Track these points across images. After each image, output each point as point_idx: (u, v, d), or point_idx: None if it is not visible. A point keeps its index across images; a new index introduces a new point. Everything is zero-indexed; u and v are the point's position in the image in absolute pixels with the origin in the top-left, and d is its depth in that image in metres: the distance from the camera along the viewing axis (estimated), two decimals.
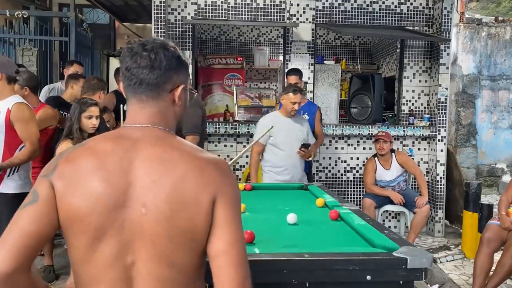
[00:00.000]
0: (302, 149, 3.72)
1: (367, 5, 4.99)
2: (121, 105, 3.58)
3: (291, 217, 2.18)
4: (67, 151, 1.09)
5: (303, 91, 3.91)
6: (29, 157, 2.82)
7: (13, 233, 0.98)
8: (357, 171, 5.04)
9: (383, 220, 4.94)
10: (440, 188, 4.95)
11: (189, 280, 1.06)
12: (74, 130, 2.82)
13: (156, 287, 1.02)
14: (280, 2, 4.88)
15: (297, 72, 4.22)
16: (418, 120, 5.08)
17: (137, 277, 1.02)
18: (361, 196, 4.80)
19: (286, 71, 4.44)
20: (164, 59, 1.08)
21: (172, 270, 1.02)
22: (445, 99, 4.93)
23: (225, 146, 4.78)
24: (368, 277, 1.51)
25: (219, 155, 4.43)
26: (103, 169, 1.01)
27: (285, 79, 4.18)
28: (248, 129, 4.71)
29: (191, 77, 4.63)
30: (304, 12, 4.88)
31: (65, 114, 3.64)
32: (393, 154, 4.47)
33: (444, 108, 4.93)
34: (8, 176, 2.80)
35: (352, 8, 4.98)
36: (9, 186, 2.79)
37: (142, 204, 1.00)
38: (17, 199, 2.81)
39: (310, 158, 3.87)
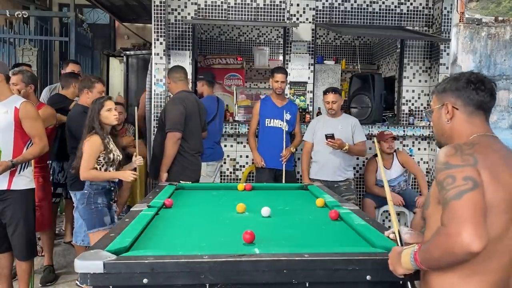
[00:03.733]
0: (329, 139, 3.89)
1: (367, 5, 4.99)
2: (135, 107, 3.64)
3: (265, 210, 2.29)
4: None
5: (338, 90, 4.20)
6: (40, 152, 2.99)
7: (478, 215, 1.18)
8: (357, 171, 5.04)
9: (383, 220, 4.94)
10: None
11: None
12: (96, 126, 2.93)
13: None
14: (280, 2, 4.88)
15: (283, 70, 4.29)
16: (418, 120, 5.08)
17: None
18: (361, 196, 4.80)
19: (272, 69, 4.44)
20: None
21: None
22: None
23: (225, 146, 4.77)
24: (368, 277, 1.51)
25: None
26: None
27: (272, 77, 4.22)
28: (248, 129, 4.71)
29: (190, 77, 4.63)
30: (304, 12, 4.88)
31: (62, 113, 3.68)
32: (394, 153, 4.48)
33: None
34: (19, 173, 2.94)
35: (352, 8, 4.98)
36: (20, 183, 2.94)
37: None
38: (27, 195, 2.99)
39: (346, 148, 3.95)
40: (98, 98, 3.12)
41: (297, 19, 4.86)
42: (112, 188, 3.04)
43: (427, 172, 5.07)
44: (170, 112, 3.57)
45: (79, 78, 3.92)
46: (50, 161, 3.96)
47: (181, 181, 3.28)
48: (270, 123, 4.22)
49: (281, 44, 5.34)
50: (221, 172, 4.78)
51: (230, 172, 4.91)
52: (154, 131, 4.48)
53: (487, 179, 1.24)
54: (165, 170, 3.53)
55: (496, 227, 1.23)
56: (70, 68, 4.40)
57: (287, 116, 4.19)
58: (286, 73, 4.23)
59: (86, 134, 2.94)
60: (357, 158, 4.99)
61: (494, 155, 1.30)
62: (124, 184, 4.11)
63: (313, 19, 4.90)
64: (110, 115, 2.98)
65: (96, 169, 2.91)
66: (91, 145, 2.88)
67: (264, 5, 4.88)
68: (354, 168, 5.01)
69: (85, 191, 2.94)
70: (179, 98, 3.69)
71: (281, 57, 5.53)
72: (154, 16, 4.64)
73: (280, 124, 4.18)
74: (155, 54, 4.67)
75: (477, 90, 1.41)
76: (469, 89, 1.41)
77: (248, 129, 4.68)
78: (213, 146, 4.30)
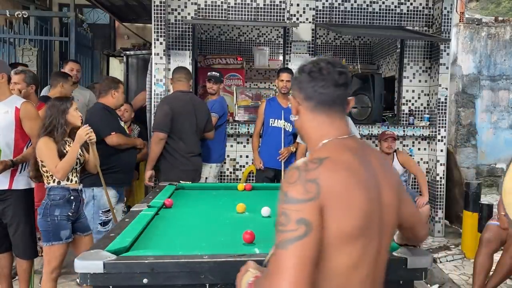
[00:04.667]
0: None
1: (367, 5, 4.99)
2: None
3: (265, 210, 2.30)
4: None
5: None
6: None
7: (299, 271, 1.00)
8: None
9: None
10: (440, 188, 4.95)
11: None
12: (59, 125, 2.73)
13: (384, 269, 1.22)
14: (280, 2, 4.88)
15: (289, 70, 4.30)
16: (418, 120, 5.08)
17: (379, 264, 1.18)
18: None
19: (278, 70, 4.48)
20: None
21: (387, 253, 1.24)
22: (445, 99, 4.94)
23: (225, 146, 4.77)
24: None
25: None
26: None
27: (277, 76, 4.25)
28: (248, 129, 4.71)
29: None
30: (304, 12, 4.88)
31: None
32: (394, 154, 4.48)
33: (444, 108, 4.93)
34: (20, 172, 2.95)
35: (352, 8, 4.98)
36: (21, 182, 2.96)
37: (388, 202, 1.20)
38: (27, 194, 3.02)
39: None
40: (64, 96, 3.02)
41: (297, 19, 4.86)
42: (73, 198, 2.78)
43: (427, 172, 5.07)
44: (156, 112, 3.76)
45: (68, 78, 3.92)
46: None
47: (181, 181, 3.29)
48: (274, 123, 4.23)
49: (281, 44, 5.34)
50: (221, 172, 4.78)
51: (230, 172, 4.91)
52: None
53: (335, 207, 1.06)
54: (149, 169, 3.71)
55: (352, 256, 1.09)
56: (70, 66, 4.40)
57: (292, 117, 4.19)
58: (291, 73, 4.23)
59: (42, 133, 2.73)
60: None
61: (344, 172, 1.10)
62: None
63: (313, 19, 4.90)
64: (78, 115, 2.85)
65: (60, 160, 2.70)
66: (45, 146, 2.69)
67: (264, 5, 4.88)
68: None
69: (44, 201, 2.76)
70: (167, 98, 3.86)
71: (281, 57, 5.53)
72: (154, 16, 4.64)
73: (284, 125, 4.19)
74: (155, 54, 4.67)
75: (316, 81, 1.21)
76: (307, 79, 1.22)
77: (248, 129, 4.70)
78: (223, 148, 4.40)
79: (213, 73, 4.44)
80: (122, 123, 3.76)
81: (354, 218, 1.07)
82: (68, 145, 2.79)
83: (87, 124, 2.90)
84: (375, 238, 1.14)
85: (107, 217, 3.40)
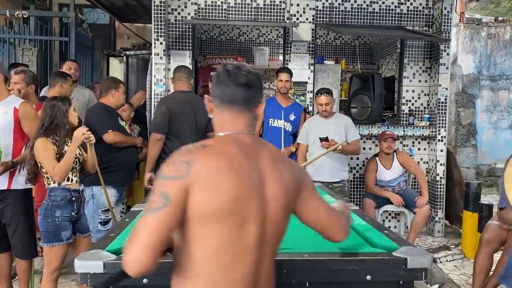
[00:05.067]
0: (323, 142, 3.87)
1: (367, 5, 4.99)
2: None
3: None
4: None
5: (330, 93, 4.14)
6: None
7: (149, 237, 1.12)
8: (357, 171, 5.04)
9: (383, 220, 4.94)
10: (440, 188, 4.95)
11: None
12: (62, 125, 2.72)
13: (272, 263, 1.30)
14: (280, 2, 4.88)
15: (288, 70, 4.30)
16: (418, 120, 5.08)
17: (263, 257, 1.24)
18: (361, 196, 4.80)
19: (277, 69, 4.48)
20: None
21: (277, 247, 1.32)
22: (445, 99, 4.93)
23: None
24: (368, 277, 1.51)
25: None
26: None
27: (277, 76, 4.25)
28: None
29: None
30: (304, 12, 4.88)
31: None
32: (394, 154, 4.48)
33: (444, 108, 4.93)
34: (19, 172, 2.94)
35: (352, 8, 4.98)
36: (20, 182, 2.95)
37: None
38: (26, 194, 3.01)
39: (339, 148, 3.94)
40: (63, 96, 2.99)
41: (297, 19, 4.86)
42: (74, 199, 2.77)
43: (427, 172, 5.07)
44: (154, 113, 3.77)
45: (68, 78, 3.91)
46: None
47: None
48: (273, 123, 4.23)
49: (281, 44, 5.34)
50: None
51: None
52: None
53: (201, 188, 1.16)
54: (148, 171, 3.69)
55: (218, 236, 1.18)
56: (67, 66, 4.39)
57: (292, 117, 4.21)
58: (291, 73, 4.24)
59: (40, 134, 2.69)
60: (357, 158, 4.99)
61: (219, 160, 1.21)
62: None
63: (313, 19, 4.90)
64: (75, 115, 2.85)
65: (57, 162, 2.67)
66: (43, 147, 2.66)
67: (264, 5, 4.88)
68: (354, 168, 5.02)
69: (44, 202, 2.73)
70: (165, 98, 3.88)
71: (281, 57, 5.53)
72: (154, 16, 4.64)
73: (283, 125, 4.19)
74: (155, 54, 4.66)
75: (221, 82, 1.33)
76: (215, 81, 1.36)
77: None
78: None
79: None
80: (123, 123, 3.76)
81: (218, 199, 1.17)
82: (67, 145, 2.79)
83: (84, 125, 2.89)
84: (250, 227, 1.20)
85: (107, 216, 3.40)
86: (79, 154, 2.83)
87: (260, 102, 1.38)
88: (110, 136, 3.43)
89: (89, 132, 2.79)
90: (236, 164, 1.22)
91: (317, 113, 4.32)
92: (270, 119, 4.24)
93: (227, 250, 1.18)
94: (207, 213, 1.16)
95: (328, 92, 4.05)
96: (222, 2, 4.83)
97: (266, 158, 1.30)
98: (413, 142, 5.08)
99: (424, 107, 5.14)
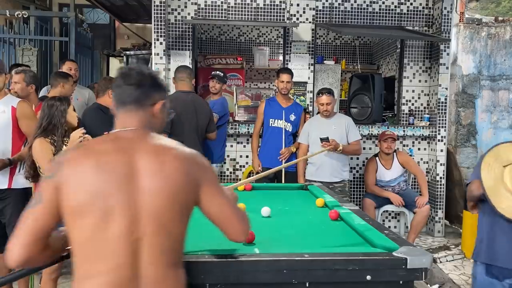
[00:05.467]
0: (324, 142, 3.87)
1: (367, 5, 4.99)
2: None
3: (265, 210, 2.30)
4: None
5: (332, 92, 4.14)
6: None
7: (24, 231, 1.24)
8: (357, 171, 5.04)
9: (383, 220, 4.94)
10: (440, 188, 4.95)
11: (181, 251, 1.35)
12: (60, 125, 2.71)
13: (160, 257, 1.27)
14: (280, 2, 4.88)
15: (289, 71, 4.27)
16: (418, 120, 5.08)
17: (142, 250, 1.24)
18: (361, 196, 4.80)
19: (278, 69, 4.47)
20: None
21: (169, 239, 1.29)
22: (445, 99, 4.94)
23: (225, 146, 4.77)
24: (368, 277, 1.51)
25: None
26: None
27: (278, 77, 4.23)
28: (248, 129, 4.71)
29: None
30: (304, 12, 4.88)
31: None
32: (394, 154, 4.48)
33: (444, 108, 4.93)
34: (19, 171, 2.96)
35: (352, 8, 4.98)
36: (20, 181, 2.96)
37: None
38: (26, 193, 3.01)
39: (340, 149, 3.94)
40: (63, 96, 2.98)
41: (297, 19, 4.86)
42: None
43: (427, 172, 5.07)
44: None
45: (69, 78, 3.90)
46: None
47: None
48: (274, 123, 4.23)
49: (281, 44, 5.34)
50: (221, 172, 4.78)
51: (230, 172, 4.91)
52: None
53: (68, 187, 1.24)
54: None
55: (82, 230, 1.23)
56: (67, 66, 4.38)
57: (292, 117, 4.21)
58: (291, 74, 4.22)
59: (38, 134, 2.67)
60: (357, 158, 4.99)
61: (85, 159, 1.27)
62: None
63: (313, 19, 4.90)
64: (74, 115, 2.83)
65: None
66: (40, 148, 2.65)
67: (264, 5, 4.88)
68: (354, 168, 5.02)
69: None
70: (167, 98, 3.76)
71: (281, 57, 5.53)
72: (154, 16, 4.64)
73: (284, 125, 4.18)
74: (155, 54, 4.67)
75: (117, 83, 1.41)
76: (114, 83, 1.43)
77: (248, 129, 4.69)
78: (222, 149, 4.37)
79: (218, 72, 4.44)
80: None
81: (79, 196, 1.23)
82: (65, 145, 2.78)
83: (83, 127, 2.88)
84: (114, 220, 1.22)
85: None
86: None
87: (157, 101, 1.43)
88: None
89: (87, 134, 2.79)
90: (102, 160, 1.27)
91: (318, 113, 4.32)
92: (271, 120, 4.24)
93: (90, 243, 1.23)
94: (72, 210, 1.23)
95: (330, 92, 4.05)
96: (222, 2, 4.83)
97: (147, 151, 1.31)
98: (413, 142, 5.08)
99: (424, 107, 5.14)
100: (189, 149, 1.39)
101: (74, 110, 2.90)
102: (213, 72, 4.48)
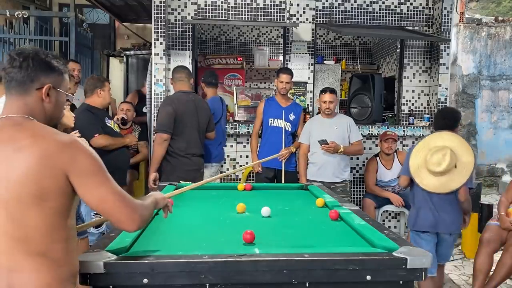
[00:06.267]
0: (323, 145, 3.88)
1: (367, 5, 4.99)
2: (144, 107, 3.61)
3: (265, 210, 2.29)
4: None
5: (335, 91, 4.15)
6: None
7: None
8: (357, 171, 5.04)
9: (383, 220, 4.94)
10: None
11: (46, 239, 1.29)
12: (54, 126, 2.69)
13: (12, 244, 1.26)
14: (280, 2, 4.88)
15: (289, 71, 4.26)
16: (418, 120, 5.08)
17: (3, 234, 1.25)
18: (361, 196, 4.80)
19: (278, 69, 4.46)
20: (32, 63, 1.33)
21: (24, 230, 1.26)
22: (445, 99, 4.94)
23: (225, 146, 4.77)
24: (368, 277, 1.51)
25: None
26: None
27: (277, 77, 4.21)
28: (248, 129, 4.71)
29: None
30: (304, 12, 4.88)
31: None
32: (395, 154, 4.48)
33: None
34: None
35: (352, 8, 4.98)
36: None
37: None
38: None
39: (341, 150, 3.94)
40: None
41: (297, 19, 4.86)
42: None
43: None
44: (159, 113, 3.69)
45: (71, 79, 3.90)
46: None
47: (181, 181, 3.28)
48: (273, 123, 4.23)
49: (281, 44, 5.34)
50: (221, 173, 4.77)
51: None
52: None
53: None
54: (153, 171, 3.64)
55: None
56: (71, 66, 4.39)
57: (291, 117, 4.21)
58: (291, 74, 4.21)
59: None
60: (357, 158, 4.99)
61: None
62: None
63: (313, 19, 4.90)
64: (71, 115, 2.77)
65: None
66: None
67: (264, 5, 4.88)
68: (354, 168, 5.02)
69: None
70: (169, 98, 3.81)
71: (281, 57, 5.53)
72: (154, 16, 4.64)
73: (284, 125, 4.19)
74: (155, 54, 4.67)
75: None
76: None
77: (248, 129, 4.69)
78: (218, 147, 4.33)
79: (209, 79, 4.43)
80: (111, 122, 3.74)
81: None
82: None
83: (77, 130, 2.86)
84: None
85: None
86: None
87: (45, 84, 1.36)
88: (97, 141, 3.45)
89: (81, 136, 2.77)
90: None
91: (318, 113, 4.32)
92: (270, 119, 4.24)
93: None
94: None
95: (333, 91, 4.05)
96: (222, 2, 4.83)
97: (2, 139, 1.29)
98: (413, 142, 5.07)
99: (424, 107, 5.14)
100: (65, 138, 1.33)
101: (73, 110, 2.89)
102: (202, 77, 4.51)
